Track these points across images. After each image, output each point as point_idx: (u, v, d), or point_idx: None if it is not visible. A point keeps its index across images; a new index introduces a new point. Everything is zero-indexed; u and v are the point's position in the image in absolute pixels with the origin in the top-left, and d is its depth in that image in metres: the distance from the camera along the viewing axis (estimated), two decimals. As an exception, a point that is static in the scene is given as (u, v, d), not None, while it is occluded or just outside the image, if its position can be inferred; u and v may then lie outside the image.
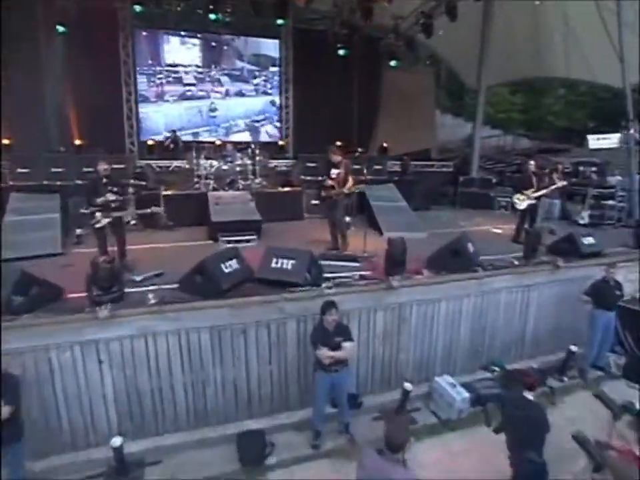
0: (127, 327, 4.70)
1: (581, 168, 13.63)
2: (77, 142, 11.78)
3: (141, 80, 13.82)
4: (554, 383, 6.45)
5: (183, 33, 14.10)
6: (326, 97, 14.18)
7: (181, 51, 14.18)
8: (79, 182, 9.61)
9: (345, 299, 5.38)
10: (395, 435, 3.23)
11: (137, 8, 12.24)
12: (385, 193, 10.69)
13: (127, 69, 13.43)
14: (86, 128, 12.10)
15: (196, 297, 5.07)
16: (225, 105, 15.08)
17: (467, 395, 5.72)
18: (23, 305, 4.54)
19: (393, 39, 15.29)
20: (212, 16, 12.96)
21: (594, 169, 13.51)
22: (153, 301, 4.87)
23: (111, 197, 5.98)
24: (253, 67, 15.33)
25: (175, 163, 12.47)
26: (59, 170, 10.07)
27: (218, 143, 13.08)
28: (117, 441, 4.35)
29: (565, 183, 9.00)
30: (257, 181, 11.15)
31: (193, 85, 14.49)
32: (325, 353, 4.66)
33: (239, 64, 15.14)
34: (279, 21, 13.59)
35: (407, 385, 5.49)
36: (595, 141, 20.03)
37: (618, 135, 19.99)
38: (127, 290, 5.23)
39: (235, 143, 12.80)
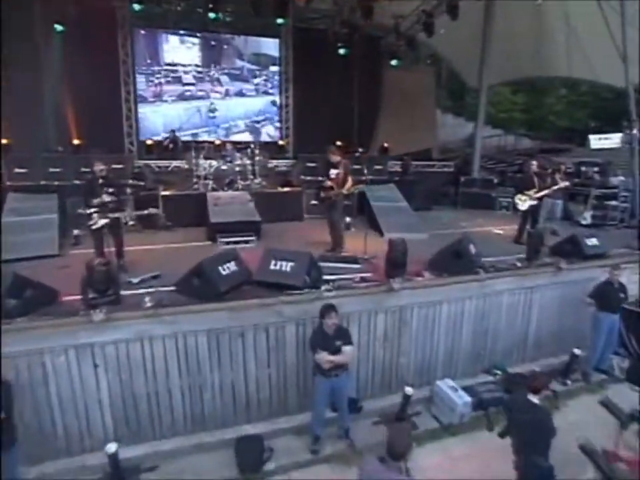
0: (122, 331, 4.61)
1: (583, 168, 13.53)
2: (75, 142, 11.70)
3: (140, 80, 13.73)
4: (557, 387, 6.37)
5: (182, 32, 13.98)
6: (326, 96, 14.08)
7: (180, 50, 14.07)
8: (77, 182, 9.52)
9: (344, 301, 5.30)
10: (397, 443, 3.15)
11: (136, 7, 12.14)
12: (385, 193, 10.60)
13: (125, 69, 13.34)
14: (84, 128, 12.01)
15: (193, 300, 4.98)
16: (224, 105, 14.95)
17: (468, 399, 5.63)
18: (17, 308, 4.45)
19: (394, 38, 15.20)
20: (211, 15, 12.85)
21: (596, 169, 13.40)
22: (149, 304, 4.77)
23: (106, 198, 5.90)
24: (253, 66, 15.23)
25: (174, 163, 12.38)
26: (57, 170, 9.99)
27: (217, 142, 12.98)
28: (112, 447, 4.26)
29: (567, 183, 8.90)
30: (257, 181, 11.07)
31: (192, 84, 14.36)
32: (324, 357, 4.58)
33: (239, 63, 15.03)
34: (279, 20, 13.48)
35: (408, 389, 5.40)
36: (597, 141, 20.01)
37: (620, 135, 19.96)
38: (123, 292, 5.14)
39: (235, 143, 12.70)
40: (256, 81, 15.34)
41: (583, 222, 10.44)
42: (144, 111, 13.95)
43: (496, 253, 7.23)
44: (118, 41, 13.07)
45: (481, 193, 12.78)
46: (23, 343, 4.31)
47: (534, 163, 8.69)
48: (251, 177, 11.05)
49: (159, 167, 12.40)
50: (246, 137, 15.24)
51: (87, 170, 8.73)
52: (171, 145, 12.96)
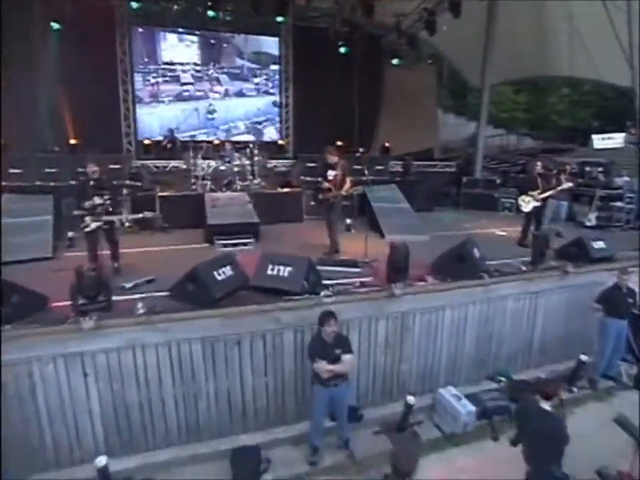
0: (113, 339, 4.44)
1: (587, 168, 13.33)
2: (72, 141, 11.51)
3: (137, 79, 13.52)
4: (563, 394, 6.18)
5: (180, 30, 13.76)
6: (327, 95, 13.88)
7: (179, 49, 13.83)
8: (73, 183, 9.33)
9: (344, 307, 5.13)
10: (403, 460, 2.99)
11: (134, 5, 11.99)
12: (386, 193, 10.44)
13: (123, 67, 13.18)
14: (81, 127, 11.82)
15: (187, 306, 4.81)
16: (224, 106, 14.69)
17: (472, 408, 5.45)
18: (3, 315, 4.27)
19: (395, 37, 15.03)
20: (210, 13, 12.67)
21: (600, 169, 13.19)
22: (141, 311, 4.60)
23: (98, 200, 5.73)
24: (254, 65, 15.00)
25: (172, 163, 12.23)
26: (53, 170, 9.87)
27: (216, 142, 12.81)
28: (102, 460, 4.10)
29: (571, 184, 8.72)
30: (256, 181, 10.90)
31: (191, 84, 14.11)
32: (323, 367, 4.40)
33: (239, 62, 14.79)
34: (279, 19, 13.31)
35: (410, 399, 5.23)
36: (600, 141, 19.80)
37: (623, 135, 19.78)
38: (115, 298, 4.97)
39: (234, 143, 12.52)
40: (256, 80, 15.09)
41: (588, 223, 10.28)
42: (140, 112, 13.74)
43: (500, 256, 7.06)
44: (116, 39, 12.90)
45: (484, 194, 12.62)
46: (10, 351, 4.13)
47: (538, 163, 8.51)
48: (250, 177, 10.89)
49: (156, 167, 12.26)
50: (246, 137, 15.00)
51: (83, 170, 8.54)
52: (169, 145, 12.79)
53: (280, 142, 15.27)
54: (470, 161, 15.13)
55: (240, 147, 11.70)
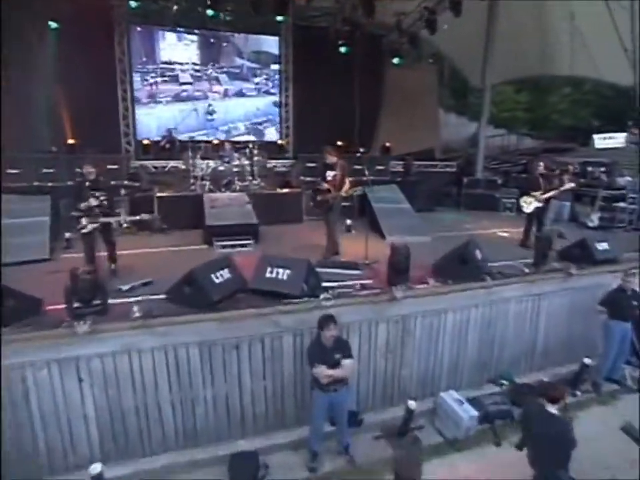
0: (109, 343, 4.35)
1: (590, 168, 13.21)
2: (70, 142, 11.40)
3: (135, 79, 13.36)
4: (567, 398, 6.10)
5: (180, 29, 13.60)
6: (327, 95, 13.76)
7: (178, 48, 13.65)
8: (71, 183, 9.25)
9: (344, 310, 5.04)
10: (406, 468, 2.91)
11: (133, 4, 11.90)
12: (387, 194, 10.35)
13: (122, 67, 13.03)
14: (79, 127, 11.67)
15: (185, 310, 4.72)
16: (223, 107, 14.50)
17: (474, 412, 5.35)
18: (-4, 319, 4.20)
19: (396, 36, 14.93)
20: (210, 12, 12.56)
21: (603, 169, 13.08)
22: (137, 315, 4.51)
23: (93, 202, 5.64)
24: (253, 65, 14.84)
25: (171, 164, 12.13)
26: (51, 171, 9.80)
27: (215, 142, 12.71)
28: (96, 467, 4.00)
29: (573, 185, 8.63)
30: (255, 182, 10.80)
31: (190, 84, 13.93)
32: (322, 372, 4.32)
33: (239, 61, 14.62)
34: (279, 18, 13.21)
35: (411, 403, 5.14)
36: (601, 140, 19.69)
37: (624, 135, 19.68)
38: (112, 301, 4.89)
39: (233, 143, 12.42)
40: (256, 80, 14.91)
41: (590, 224, 10.18)
42: (138, 112, 13.57)
43: (502, 258, 6.95)
44: (114, 38, 12.76)
45: (485, 194, 12.54)
46: (3, 356, 4.04)
47: (540, 164, 8.40)
48: (250, 177, 10.80)
49: (155, 167, 12.17)
50: (246, 137, 14.80)
51: (80, 171, 8.47)
52: (167, 145, 12.68)
53: (280, 142, 15.13)
54: (471, 161, 15.04)
55: (239, 146, 11.61)
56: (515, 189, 11.82)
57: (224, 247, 7.65)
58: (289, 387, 5.16)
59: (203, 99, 14.22)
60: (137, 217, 6.15)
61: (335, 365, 4.38)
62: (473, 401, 5.65)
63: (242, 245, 7.73)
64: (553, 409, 3.88)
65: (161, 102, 13.77)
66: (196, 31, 13.84)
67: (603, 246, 6.94)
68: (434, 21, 13.14)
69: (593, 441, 4.89)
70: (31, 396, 4.22)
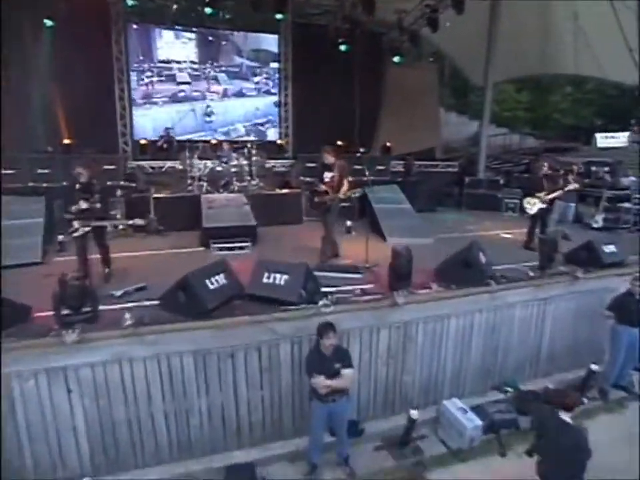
0: (99, 352, 4.18)
1: (593, 168, 13.03)
2: (66, 141, 11.21)
3: (131, 78, 13.15)
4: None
5: (177, 27, 13.38)
6: (326, 94, 13.58)
7: (175, 46, 13.43)
8: (66, 184, 9.06)
9: (344, 317, 4.87)
10: None
11: (129, 2, 11.73)
12: (388, 194, 10.20)
13: (119, 66, 12.85)
14: (76, 127, 11.49)
15: (178, 317, 4.55)
16: (222, 107, 14.26)
17: (479, 422, 5.17)
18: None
19: (397, 34, 14.74)
20: (208, 10, 12.37)
21: (607, 169, 12.90)
22: (129, 322, 4.33)
23: (83, 205, 5.47)
24: (253, 63, 14.62)
25: (169, 164, 11.95)
26: (46, 171, 9.62)
27: (214, 142, 12.53)
28: (85, 482, 3.85)
29: (577, 185, 8.45)
30: (254, 182, 10.63)
31: (187, 83, 13.69)
32: (321, 382, 4.14)
33: (238, 60, 14.40)
34: (278, 16, 12.99)
35: (413, 413, 4.96)
36: (604, 140, 19.55)
37: (627, 134, 19.53)
38: (103, 307, 4.72)
39: (232, 142, 12.23)
40: (256, 79, 14.69)
41: (595, 225, 10.00)
42: (134, 113, 13.36)
43: (506, 260, 6.79)
44: (111, 36, 12.58)
45: (487, 194, 12.36)
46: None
47: (545, 164, 8.22)
48: (248, 178, 10.62)
49: (152, 167, 11.99)
50: (246, 137, 14.58)
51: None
52: (165, 145, 12.50)
53: (279, 141, 14.93)
54: (472, 160, 14.88)
55: (238, 146, 11.42)
56: (518, 189, 11.68)
57: (221, 249, 7.50)
58: (287, 397, 4.98)
59: (200, 100, 13.99)
60: (130, 222, 5.95)
61: (335, 374, 4.20)
62: (476, 409, 5.47)
63: (239, 248, 7.58)
64: (566, 417, 3.75)
65: (156, 103, 13.51)
66: (194, 29, 13.63)
67: (610, 248, 6.75)
68: (436, 18, 12.95)
69: (599, 450, 4.69)
70: (17, 407, 4.05)
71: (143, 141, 13.05)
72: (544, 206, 7.93)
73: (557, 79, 22.16)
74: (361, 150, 13.10)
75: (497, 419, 5.42)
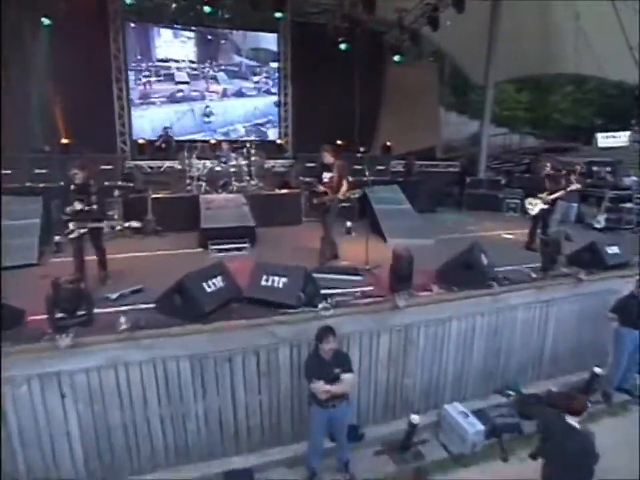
0: (94, 357, 4.09)
1: (595, 168, 12.91)
2: (64, 141, 11.12)
3: (129, 78, 13.05)
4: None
5: (176, 26, 13.25)
6: (326, 93, 13.48)
7: (174, 45, 13.30)
8: (64, 184, 8.97)
9: (344, 320, 4.78)
10: None
11: (128, 0, 11.64)
12: (388, 194, 10.11)
13: (117, 64, 12.76)
14: (74, 126, 11.39)
15: (175, 320, 4.46)
16: (221, 108, 14.10)
17: (481, 427, 5.08)
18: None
19: (397, 33, 14.65)
20: (207, 9, 12.28)
21: (608, 169, 12.79)
22: (125, 326, 4.25)
23: (78, 206, 5.38)
24: (252, 62, 14.49)
25: (167, 164, 11.85)
26: (43, 171, 9.55)
27: (212, 141, 12.43)
28: (79, 490, 3.76)
29: (579, 185, 8.36)
30: (253, 182, 10.53)
31: (186, 83, 13.53)
32: (320, 387, 4.05)
33: (237, 59, 14.27)
34: (277, 14, 12.90)
35: (414, 418, 4.88)
36: (604, 139, 19.44)
37: (627, 133, 19.42)
38: (98, 310, 4.64)
39: (231, 142, 12.13)
40: (256, 78, 14.56)
41: (597, 225, 9.91)
42: (132, 114, 13.26)
43: (508, 261, 6.70)
44: (110, 35, 12.48)
45: (488, 194, 12.28)
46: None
47: (547, 164, 8.13)
48: (247, 178, 10.52)
49: (151, 167, 11.90)
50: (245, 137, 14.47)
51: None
52: (163, 145, 12.40)
53: (278, 141, 14.81)
54: (473, 160, 14.78)
55: (237, 146, 11.33)
56: (519, 189, 11.60)
57: (219, 250, 7.41)
58: (286, 401, 4.89)
59: (199, 100, 13.85)
60: (126, 224, 5.85)
61: (334, 379, 4.11)
62: (478, 413, 5.38)
63: (238, 249, 7.48)
64: (573, 422, 3.67)
65: (154, 103, 13.35)
66: (193, 28, 13.50)
67: (613, 250, 6.65)
68: (436, 17, 12.87)
69: (603, 453, 4.62)
70: (10, 413, 3.96)
71: (141, 141, 12.93)
72: (546, 206, 7.85)
73: (557, 78, 22.08)
74: (361, 149, 13.05)
75: (499, 423, 5.34)
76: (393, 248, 5.56)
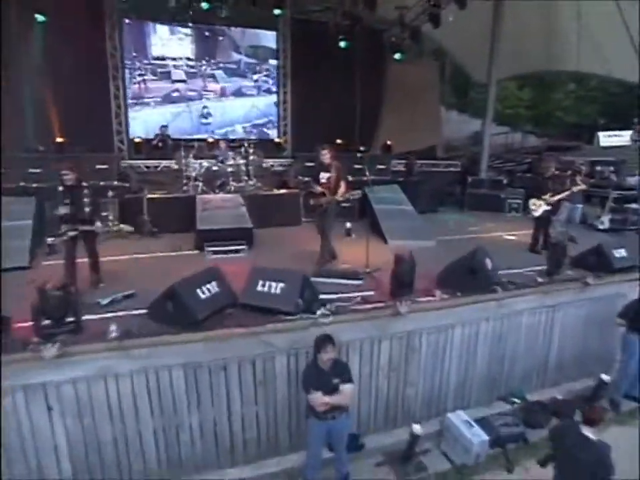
0: (82, 367, 3.91)
1: (598, 168, 12.74)
2: (59, 140, 10.90)
3: (125, 76, 12.75)
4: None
5: (173, 23, 12.94)
6: (326, 91, 13.26)
7: (171, 43, 12.96)
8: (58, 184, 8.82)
9: (344, 328, 4.60)
10: None
11: (123, -4, 11.46)
12: (388, 194, 9.94)
13: (114, 62, 12.47)
14: (69, 125, 11.15)
15: (167, 328, 4.28)
16: (220, 107, 13.75)
17: (485, 437, 4.91)
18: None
19: (398, 31, 14.43)
20: (204, 5, 12.05)
21: (612, 168, 12.61)
22: (115, 334, 4.07)
23: (62, 210, 5.20)
24: (251, 60, 14.19)
25: (164, 163, 11.64)
26: (37, 171, 9.35)
27: (210, 140, 12.22)
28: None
29: (584, 186, 8.19)
30: (251, 182, 10.35)
31: (183, 81, 13.18)
32: (318, 399, 3.88)
33: (236, 57, 13.91)
34: (276, 11, 12.66)
35: (416, 428, 4.70)
36: (606, 138, 19.26)
37: (630, 132, 19.24)
38: (88, 317, 4.46)
39: (228, 141, 11.92)
40: (255, 77, 14.23)
41: (601, 226, 9.72)
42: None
43: (511, 265, 6.52)
44: (105, 32, 12.23)
45: (489, 194, 12.12)
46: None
47: (552, 165, 7.94)
48: (245, 177, 10.34)
49: (147, 167, 11.70)
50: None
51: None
52: (160, 144, 12.17)
53: (277, 140, 14.57)
54: (474, 159, 14.60)
55: (234, 145, 11.13)
56: (521, 189, 11.44)
57: (216, 252, 7.23)
58: (283, 412, 4.71)
59: (197, 100, 13.52)
60: (115, 228, 5.66)
61: (333, 390, 3.94)
62: (482, 422, 5.22)
63: (235, 251, 7.30)
64: (589, 432, 3.49)
65: (148, 104, 13.01)
66: (190, 25, 13.19)
67: (620, 252, 6.48)
68: (437, 14, 12.64)
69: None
70: (-7, 427, 3.78)
71: (137, 140, 12.68)
72: (549, 208, 7.68)
73: (559, 76, 21.87)
74: (361, 148, 12.85)
75: (503, 433, 5.16)
76: (395, 253, 5.37)
